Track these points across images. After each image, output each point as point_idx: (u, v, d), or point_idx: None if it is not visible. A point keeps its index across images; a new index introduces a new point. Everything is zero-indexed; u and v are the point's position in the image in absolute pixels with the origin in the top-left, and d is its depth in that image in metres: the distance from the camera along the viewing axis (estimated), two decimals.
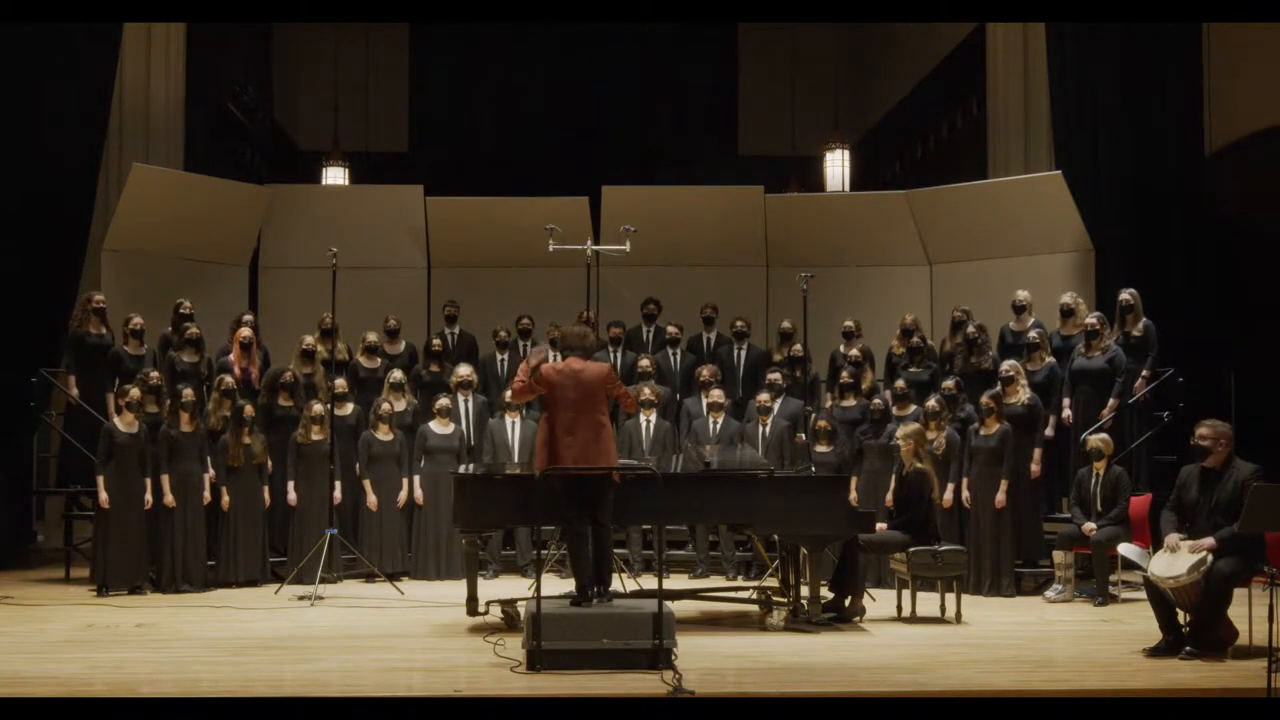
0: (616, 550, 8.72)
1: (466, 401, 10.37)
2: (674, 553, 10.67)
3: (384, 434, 10.00)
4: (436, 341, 11.09)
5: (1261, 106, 11.31)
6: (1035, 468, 9.42)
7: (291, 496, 9.76)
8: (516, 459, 9.89)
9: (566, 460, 7.17)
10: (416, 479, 10.01)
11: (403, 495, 10.03)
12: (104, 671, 6.77)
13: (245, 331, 10.41)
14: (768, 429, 10.00)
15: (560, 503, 7.35)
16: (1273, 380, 10.16)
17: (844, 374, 10.28)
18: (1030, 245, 11.75)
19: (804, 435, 9.97)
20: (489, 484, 8.04)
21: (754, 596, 8.45)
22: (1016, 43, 13.01)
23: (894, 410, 9.81)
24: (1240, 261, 11.20)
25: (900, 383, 10.03)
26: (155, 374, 9.75)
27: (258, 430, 9.71)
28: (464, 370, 10.47)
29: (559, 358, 7.51)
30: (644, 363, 10.73)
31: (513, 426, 10.11)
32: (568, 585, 8.36)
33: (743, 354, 11.17)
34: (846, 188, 15.04)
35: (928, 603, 8.36)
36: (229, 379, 9.87)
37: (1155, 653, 7.05)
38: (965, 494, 9.35)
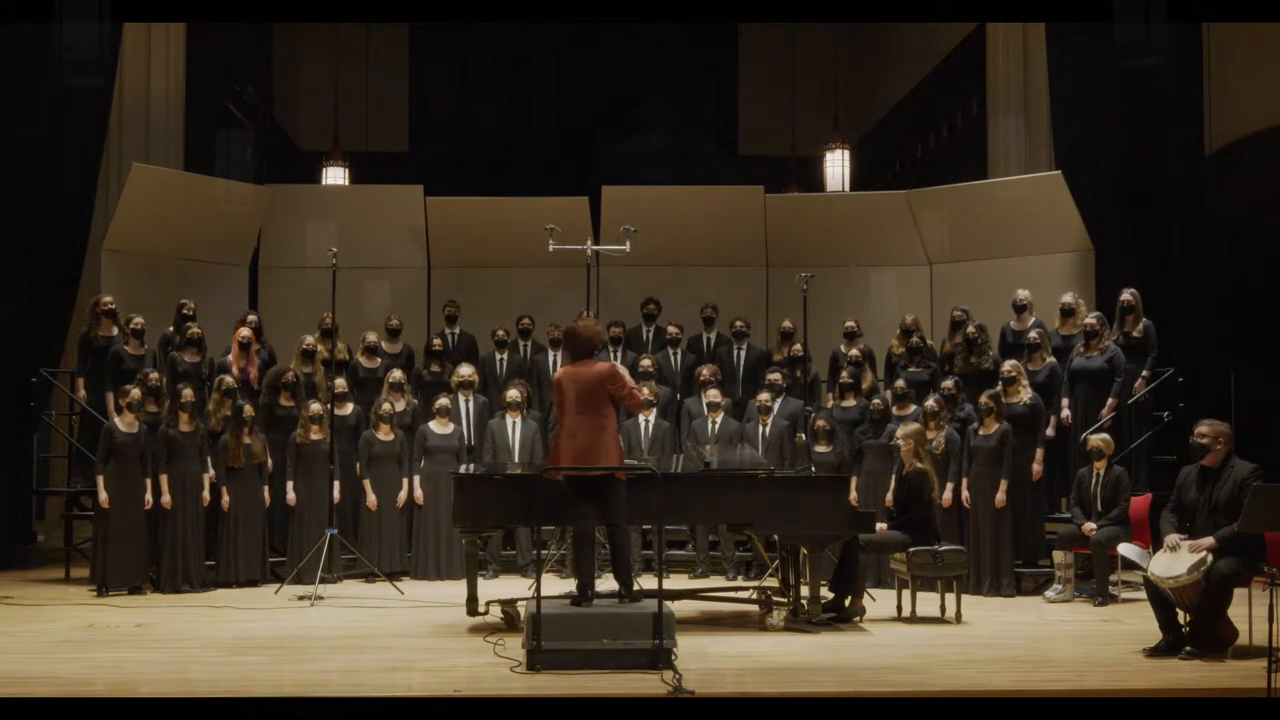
0: None
1: (468, 401, 10.37)
2: (674, 553, 10.66)
3: (384, 434, 10.00)
4: (437, 341, 11.09)
5: (1261, 106, 11.30)
6: (1038, 468, 9.42)
7: (290, 496, 9.76)
8: (516, 459, 9.89)
9: (566, 460, 7.16)
10: (416, 479, 10.01)
11: (403, 495, 10.03)
12: (104, 671, 6.77)
13: (244, 331, 10.40)
14: (768, 429, 10.00)
15: (565, 503, 7.34)
16: (1273, 380, 10.15)
17: (844, 374, 10.28)
18: (1030, 245, 11.75)
19: (804, 435, 9.97)
20: (489, 484, 8.04)
21: (754, 596, 8.44)
22: (1016, 43, 13.01)
23: (894, 410, 9.81)
24: (1240, 261, 11.19)
25: (900, 383, 10.03)
26: (155, 374, 9.75)
27: (258, 430, 9.71)
28: (466, 370, 10.47)
29: (561, 360, 7.50)
30: (644, 363, 10.73)
31: (513, 426, 10.11)
32: (568, 585, 8.36)
33: (743, 354, 11.17)
34: (846, 188, 15.03)
35: (928, 603, 8.36)
36: (228, 379, 9.87)
37: (1155, 653, 7.05)
38: (965, 494, 9.36)
